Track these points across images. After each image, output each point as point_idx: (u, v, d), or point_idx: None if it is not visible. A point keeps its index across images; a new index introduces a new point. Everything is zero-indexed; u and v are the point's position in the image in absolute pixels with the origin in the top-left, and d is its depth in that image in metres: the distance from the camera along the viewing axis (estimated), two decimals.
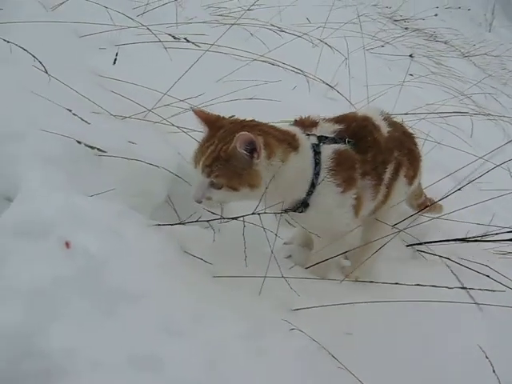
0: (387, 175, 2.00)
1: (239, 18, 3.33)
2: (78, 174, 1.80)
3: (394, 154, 2.02)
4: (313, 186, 1.80)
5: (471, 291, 2.05)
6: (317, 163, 1.79)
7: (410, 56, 5.38)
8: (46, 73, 2.05)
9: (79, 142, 1.85)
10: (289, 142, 1.76)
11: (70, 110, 1.98)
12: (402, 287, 1.92)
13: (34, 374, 1.23)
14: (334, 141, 1.85)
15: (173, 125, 2.22)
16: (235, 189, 1.68)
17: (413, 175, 2.18)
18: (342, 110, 3.06)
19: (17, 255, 1.39)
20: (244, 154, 1.63)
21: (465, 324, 1.74)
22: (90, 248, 1.46)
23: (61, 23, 2.52)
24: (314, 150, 1.79)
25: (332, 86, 3.38)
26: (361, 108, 2.53)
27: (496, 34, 10.23)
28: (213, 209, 1.84)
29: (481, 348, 1.44)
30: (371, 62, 4.62)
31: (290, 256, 2.05)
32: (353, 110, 2.98)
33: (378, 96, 3.25)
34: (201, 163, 1.68)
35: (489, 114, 4.55)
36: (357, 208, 1.90)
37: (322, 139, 1.84)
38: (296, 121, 1.95)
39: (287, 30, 3.64)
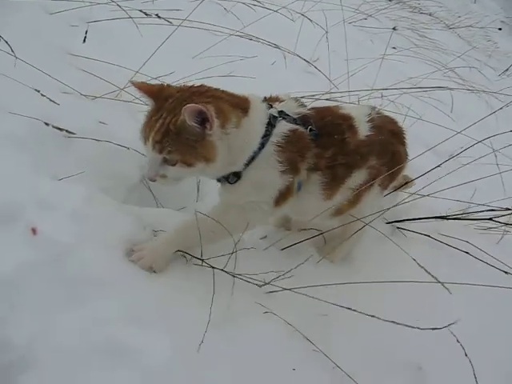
0: (354, 180, 1.86)
1: None
2: (46, 156, 1.76)
3: (368, 160, 1.88)
4: (253, 157, 1.67)
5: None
6: (266, 134, 1.67)
7: (393, 29, 5.30)
8: (12, 52, 1.98)
9: (47, 124, 1.80)
10: (241, 107, 1.65)
11: (38, 91, 1.92)
12: (378, 267, 1.91)
13: (1, 366, 1.21)
14: (293, 121, 1.73)
15: (145, 104, 2.15)
16: (190, 164, 1.55)
17: (390, 181, 2.06)
18: (322, 85, 3.04)
19: None
20: (195, 126, 1.50)
21: (440, 305, 1.72)
22: (57, 234, 1.43)
23: (30, 0, 2.44)
24: (269, 121, 1.68)
25: (310, 61, 3.32)
26: (353, 105, 2.46)
27: (481, 6, 10.12)
28: (167, 186, 1.70)
29: (452, 332, 1.42)
30: (353, 35, 4.56)
31: (265, 237, 1.98)
32: (331, 86, 2.95)
33: (358, 70, 3.19)
34: (150, 139, 1.55)
35: (471, 88, 4.50)
36: (282, 198, 1.75)
37: (283, 114, 1.72)
38: (265, 97, 1.80)
39: (266, 4, 3.55)
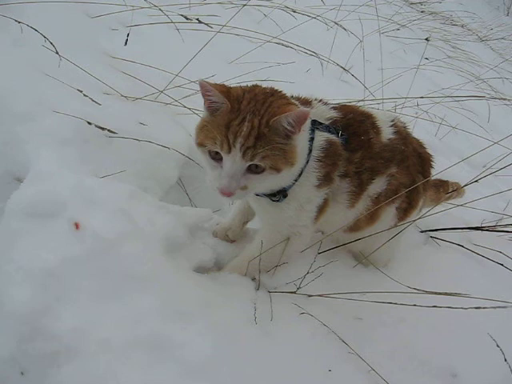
0: (374, 188, 1.77)
1: None
2: (88, 155, 1.80)
3: (389, 167, 1.77)
4: (300, 174, 1.58)
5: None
6: (309, 151, 1.59)
7: (426, 39, 5.29)
8: (57, 53, 2.03)
9: (90, 123, 1.84)
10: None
11: (81, 91, 1.97)
12: (415, 275, 1.90)
13: (44, 354, 1.24)
14: (327, 129, 1.65)
15: (184, 106, 2.20)
16: (278, 169, 1.44)
17: (407, 206, 1.88)
18: (357, 93, 3.05)
19: (27, 236, 1.39)
20: (287, 128, 1.41)
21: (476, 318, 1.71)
22: (100, 230, 1.45)
23: (72, 3, 2.50)
24: (310, 134, 1.60)
25: (346, 69, 3.33)
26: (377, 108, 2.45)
27: None
28: (241, 199, 1.59)
29: (491, 336, 1.40)
30: (386, 45, 4.57)
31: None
32: (367, 93, 2.95)
33: (393, 79, 3.19)
34: (238, 145, 1.39)
35: (505, 99, 4.46)
36: (320, 211, 1.69)
37: (316, 124, 1.64)
38: (292, 96, 1.67)
39: (301, 12, 3.57)
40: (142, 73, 2.30)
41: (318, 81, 3.18)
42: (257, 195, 1.63)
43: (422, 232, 2.33)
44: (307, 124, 1.56)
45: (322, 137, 1.63)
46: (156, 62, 2.35)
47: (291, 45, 2.99)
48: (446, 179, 2.35)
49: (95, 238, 1.43)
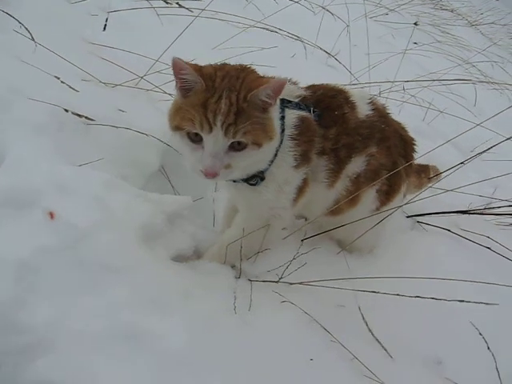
0: (353, 167, 1.73)
1: None
2: (65, 142, 1.75)
3: (368, 146, 1.74)
4: (275, 154, 1.56)
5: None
6: (282, 129, 1.55)
7: (415, 24, 5.24)
8: (33, 40, 1.98)
9: (66, 111, 1.80)
10: None
11: (58, 78, 1.92)
12: (403, 260, 1.88)
13: (18, 347, 1.21)
14: (297, 106, 1.61)
15: (165, 92, 2.15)
16: (260, 144, 1.41)
17: (388, 190, 1.84)
18: (343, 78, 3.01)
19: (0, 226, 1.35)
20: (265, 100, 1.38)
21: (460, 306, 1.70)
22: (75, 219, 1.41)
23: None
24: (280, 113, 1.56)
25: (332, 54, 3.29)
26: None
27: (504, 2, 9.98)
28: (227, 179, 1.53)
29: (473, 325, 1.39)
30: (374, 30, 4.53)
31: (284, 228, 1.85)
32: (352, 78, 2.92)
33: (379, 63, 3.15)
34: (219, 124, 1.35)
35: (494, 83, 4.44)
36: (299, 192, 1.66)
37: (285, 103, 1.60)
38: None
39: None
40: (122, 59, 2.25)
41: (303, 66, 3.13)
42: (234, 181, 1.60)
43: (408, 217, 2.31)
44: (277, 106, 1.53)
45: (293, 114, 1.60)
46: (136, 47, 2.30)
47: (276, 29, 2.94)
48: (426, 163, 2.32)
49: (70, 228, 1.39)
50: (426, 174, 2.30)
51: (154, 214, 1.57)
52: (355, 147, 1.73)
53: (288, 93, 1.64)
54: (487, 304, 1.45)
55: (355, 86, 2.77)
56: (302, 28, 3.35)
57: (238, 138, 1.38)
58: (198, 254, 1.61)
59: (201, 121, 1.37)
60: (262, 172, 1.57)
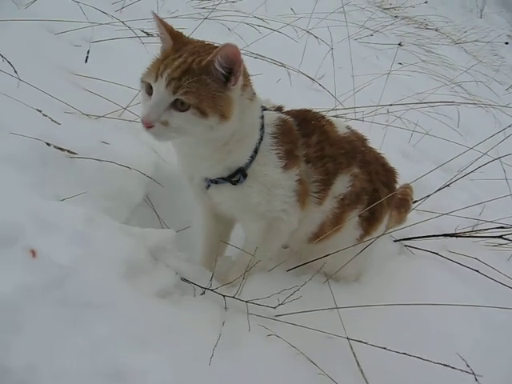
0: (339, 187, 1.75)
1: (214, 11, 3.26)
2: (47, 177, 1.73)
3: (351, 165, 1.77)
4: (256, 151, 1.58)
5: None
6: (261, 126, 1.59)
7: (399, 44, 5.31)
8: (15, 72, 1.97)
9: (48, 144, 1.79)
10: (251, 85, 1.57)
11: (40, 111, 1.91)
12: (389, 288, 1.87)
13: None
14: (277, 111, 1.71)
15: None
16: (204, 113, 1.40)
17: (370, 218, 1.84)
18: (328, 102, 3.02)
19: None
20: (221, 72, 1.39)
21: (452, 328, 1.68)
22: (56, 256, 1.40)
23: (34, 21, 2.44)
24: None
25: (314, 78, 3.31)
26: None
27: (487, 20, 10.16)
28: (162, 139, 1.52)
29: (461, 357, 1.38)
30: (359, 51, 4.57)
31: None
32: (337, 103, 2.93)
33: (364, 86, 3.17)
34: (165, 75, 1.38)
35: (479, 102, 4.48)
36: (302, 195, 1.66)
37: (263, 108, 1.65)
38: None
39: (270, 22, 3.55)
40: (105, 89, 2.24)
41: (288, 91, 3.14)
42: (216, 183, 1.62)
43: (395, 241, 2.30)
44: (259, 103, 1.60)
45: (273, 115, 1.65)
46: (120, 77, 2.30)
47: (259, 56, 2.95)
48: (405, 187, 2.32)
49: (51, 266, 1.37)
50: (405, 208, 2.29)
51: (136, 249, 1.54)
52: (340, 162, 1.75)
53: (263, 103, 1.69)
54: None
55: (340, 111, 2.79)
56: (287, 52, 3.37)
57: (179, 94, 1.38)
58: (182, 289, 1.59)
59: (153, 71, 1.44)
60: (243, 168, 1.58)
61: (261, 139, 1.59)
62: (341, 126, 1.84)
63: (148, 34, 2.60)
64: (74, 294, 1.36)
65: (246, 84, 1.51)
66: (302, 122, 1.70)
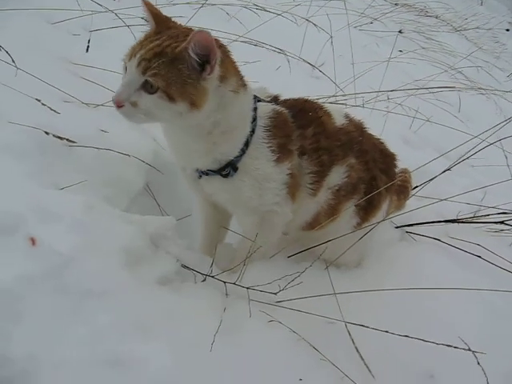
0: (334, 178, 1.74)
1: None
2: (46, 166, 1.73)
3: (347, 156, 1.75)
4: (246, 144, 1.56)
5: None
6: (253, 119, 1.56)
7: (399, 32, 5.27)
8: (13, 62, 1.96)
9: (47, 133, 1.78)
10: (241, 77, 1.55)
11: (39, 100, 1.90)
12: (389, 274, 1.87)
13: None
14: (271, 102, 1.67)
15: None
16: (172, 98, 1.38)
17: (367, 207, 1.84)
18: (328, 89, 3.00)
19: None
20: (195, 60, 1.36)
21: (454, 315, 1.68)
22: (56, 245, 1.39)
23: (32, 10, 2.43)
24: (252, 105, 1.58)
25: (315, 65, 3.29)
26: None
27: (488, 7, 10.08)
28: (132, 120, 1.50)
29: (463, 341, 1.38)
30: (359, 39, 4.54)
31: None
32: (337, 89, 2.91)
33: (364, 73, 3.15)
34: (137, 55, 1.38)
35: (480, 88, 4.45)
36: (292, 188, 1.66)
37: (257, 99, 1.63)
38: None
39: (270, 9, 3.52)
40: (104, 78, 2.23)
41: (288, 78, 3.12)
42: (206, 175, 1.61)
43: (397, 228, 2.29)
44: (250, 95, 1.58)
45: (267, 107, 1.62)
46: (118, 66, 2.28)
47: (259, 43, 2.93)
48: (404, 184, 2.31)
49: (52, 254, 1.37)
50: (404, 195, 2.29)
51: (136, 236, 1.54)
52: (336, 154, 1.73)
53: (258, 92, 1.67)
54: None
55: (340, 98, 2.77)
56: (287, 40, 3.34)
57: (147, 76, 1.37)
58: (183, 276, 1.59)
59: (130, 50, 1.44)
60: (233, 161, 1.57)
61: (252, 132, 1.57)
62: (338, 116, 1.81)
63: (147, 21, 2.56)
64: (74, 282, 1.35)
65: (227, 76, 1.47)
66: (298, 113, 1.68)
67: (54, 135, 1.78)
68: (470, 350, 1.39)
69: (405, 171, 2.30)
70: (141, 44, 1.43)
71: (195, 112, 1.43)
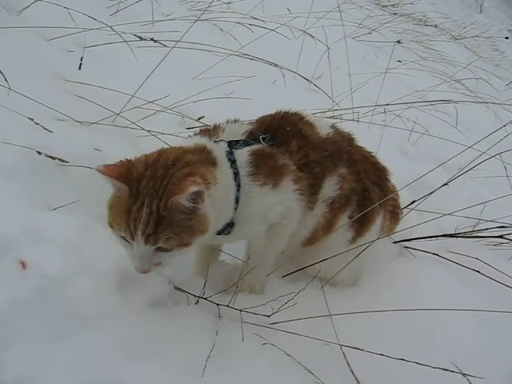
0: (327, 190, 1.73)
1: (209, 12, 3.23)
2: (39, 186, 1.73)
3: (337, 166, 1.74)
4: (237, 200, 1.54)
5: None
6: (235, 173, 1.54)
7: (398, 42, 5.26)
8: (6, 81, 1.95)
9: (39, 153, 1.77)
10: (209, 161, 1.50)
11: (32, 119, 1.89)
12: (386, 292, 1.84)
13: None
14: (245, 143, 1.61)
15: (142, 129, 2.13)
16: (187, 244, 1.39)
17: (361, 220, 1.81)
18: (325, 102, 2.99)
19: None
20: (190, 205, 1.35)
21: (451, 333, 1.65)
22: (47, 268, 1.40)
23: (26, 28, 2.42)
24: (229, 159, 1.55)
25: (312, 79, 3.28)
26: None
27: (487, 15, 10.10)
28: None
29: (456, 365, 1.35)
30: (357, 50, 4.53)
31: None
32: (333, 103, 2.90)
33: (361, 86, 3.14)
34: (139, 233, 1.34)
35: (479, 98, 4.44)
36: (305, 191, 1.64)
37: (233, 144, 1.60)
38: (201, 130, 1.70)
39: (266, 21, 3.51)
40: (98, 95, 2.22)
41: (282, 92, 3.11)
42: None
43: (395, 243, 2.27)
44: (222, 162, 1.54)
45: (243, 153, 1.59)
46: (112, 82, 2.28)
47: (255, 57, 2.92)
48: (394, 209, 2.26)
49: (42, 277, 1.38)
50: (395, 219, 2.24)
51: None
52: (326, 165, 1.72)
53: (234, 133, 1.65)
54: None
55: (337, 112, 2.76)
56: (284, 53, 3.33)
57: (160, 244, 1.36)
58: (175, 299, 1.57)
59: (125, 228, 1.36)
60: (231, 222, 1.57)
61: (239, 186, 1.55)
62: (323, 127, 1.79)
63: (141, 39, 2.57)
64: (66, 305, 1.35)
65: (207, 184, 1.42)
66: (275, 133, 1.66)
67: (46, 155, 1.77)
68: (465, 375, 1.36)
69: (393, 190, 2.17)
70: (132, 219, 1.35)
71: (207, 234, 1.45)
